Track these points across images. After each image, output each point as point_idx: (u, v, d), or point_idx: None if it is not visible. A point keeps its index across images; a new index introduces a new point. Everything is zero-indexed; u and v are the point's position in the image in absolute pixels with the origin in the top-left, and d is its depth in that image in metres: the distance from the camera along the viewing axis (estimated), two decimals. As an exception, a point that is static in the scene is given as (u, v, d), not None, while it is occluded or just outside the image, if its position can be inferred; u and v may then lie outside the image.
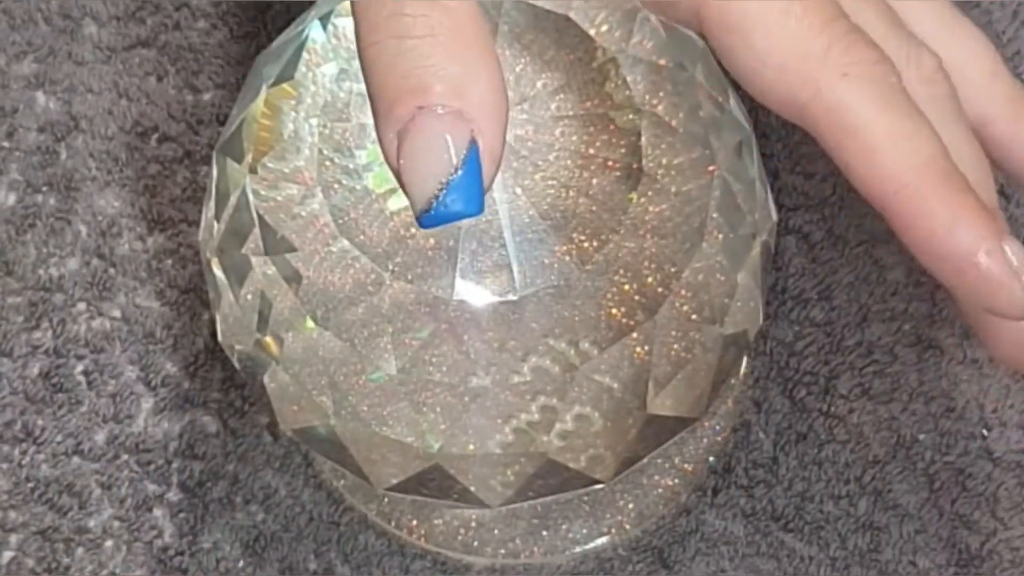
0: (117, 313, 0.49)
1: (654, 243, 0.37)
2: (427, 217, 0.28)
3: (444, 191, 0.28)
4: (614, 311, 0.36)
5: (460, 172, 0.27)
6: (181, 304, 0.49)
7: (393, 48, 0.28)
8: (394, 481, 0.38)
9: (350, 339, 0.36)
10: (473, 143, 0.28)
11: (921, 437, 0.47)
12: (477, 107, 0.28)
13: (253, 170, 0.38)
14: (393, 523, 0.46)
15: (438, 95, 0.27)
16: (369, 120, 0.38)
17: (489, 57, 0.28)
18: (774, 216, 0.40)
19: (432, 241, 0.36)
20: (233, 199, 0.38)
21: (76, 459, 0.47)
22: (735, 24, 0.34)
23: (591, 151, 0.37)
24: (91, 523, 0.47)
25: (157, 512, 0.47)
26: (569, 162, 0.37)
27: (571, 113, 0.37)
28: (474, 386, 0.36)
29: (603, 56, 0.38)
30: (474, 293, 0.36)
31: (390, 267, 0.36)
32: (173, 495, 0.47)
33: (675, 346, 0.37)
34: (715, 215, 0.37)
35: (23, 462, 0.47)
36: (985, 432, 0.47)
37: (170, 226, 0.50)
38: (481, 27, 0.28)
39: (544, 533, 0.45)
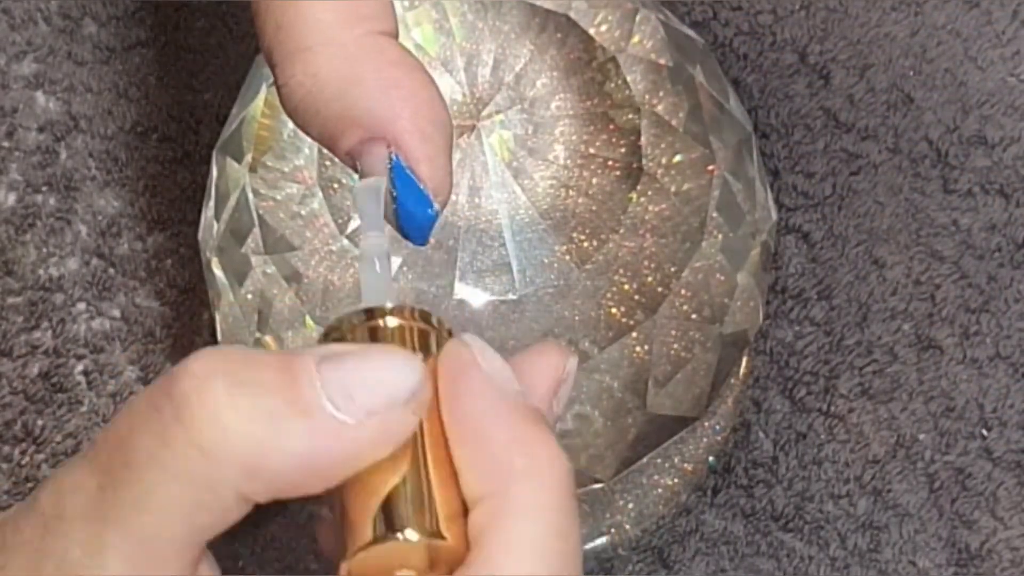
0: (117, 313, 0.49)
1: (654, 243, 0.37)
2: (412, 240, 0.29)
3: (395, 215, 0.28)
4: (614, 310, 0.36)
5: (396, 190, 0.28)
6: (181, 304, 0.49)
7: (326, 94, 0.29)
8: (394, 481, 0.38)
9: (350, 339, 0.36)
10: (390, 157, 0.28)
11: (921, 437, 0.47)
12: (395, 128, 0.28)
13: (253, 169, 0.38)
14: (393, 523, 0.46)
15: (354, 134, 0.28)
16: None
17: (396, 64, 0.29)
18: (774, 216, 0.40)
19: (432, 241, 0.36)
20: (233, 199, 0.38)
21: (76, 459, 0.47)
22: None
23: (591, 151, 0.37)
24: (91, 523, 0.47)
25: (157, 512, 0.46)
26: (569, 162, 0.37)
27: (571, 113, 0.37)
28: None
29: (603, 56, 0.38)
30: (474, 293, 0.36)
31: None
32: (173, 495, 0.47)
33: (675, 346, 0.37)
34: (715, 215, 0.37)
35: (23, 462, 0.47)
36: (985, 432, 0.47)
37: (170, 226, 0.50)
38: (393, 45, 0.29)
39: (544, 533, 0.45)
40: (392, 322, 0.26)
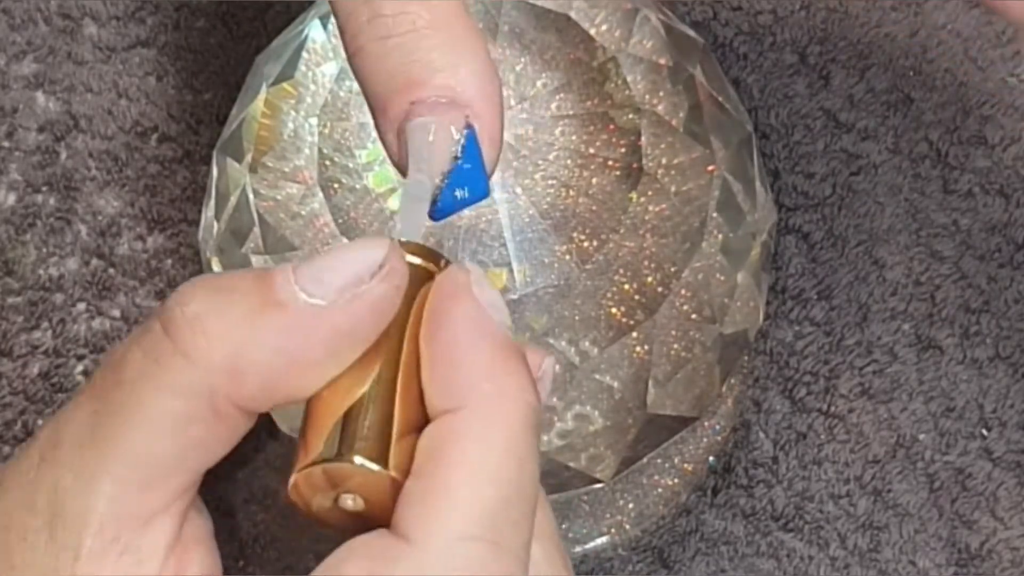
0: (117, 313, 0.49)
1: (654, 243, 0.37)
2: (436, 211, 0.28)
3: (447, 182, 0.28)
4: (614, 310, 0.36)
5: (460, 160, 0.28)
6: (181, 304, 0.49)
7: (377, 50, 0.28)
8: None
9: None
10: (470, 128, 0.28)
11: (921, 437, 0.47)
12: (469, 91, 0.28)
13: (253, 169, 0.38)
14: (393, 523, 0.46)
15: (429, 87, 0.28)
16: (369, 120, 0.38)
17: (475, 41, 0.28)
18: (774, 216, 0.40)
19: (432, 241, 0.36)
20: (233, 199, 0.38)
21: (76, 459, 0.47)
22: None
23: (591, 151, 0.37)
24: (91, 523, 0.46)
25: (157, 512, 0.46)
26: (569, 162, 0.37)
27: (571, 113, 0.37)
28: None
29: (603, 56, 0.38)
30: (474, 293, 0.36)
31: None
32: (173, 495, 0.47)
33: (675, 345, 0.37)
34: (715, 215, 0.37)
35: (23, 462, 0.47)
36: (985, 432, 0.47)
37: (170, 226, 0.50)
38: (461, 12, 0.29)
39: (544, 533, 0.45)
40: (410, 258, 0.26)
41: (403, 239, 0.27)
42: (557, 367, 0.36)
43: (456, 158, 0.28)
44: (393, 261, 0.25)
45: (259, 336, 0.25)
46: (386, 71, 0.28)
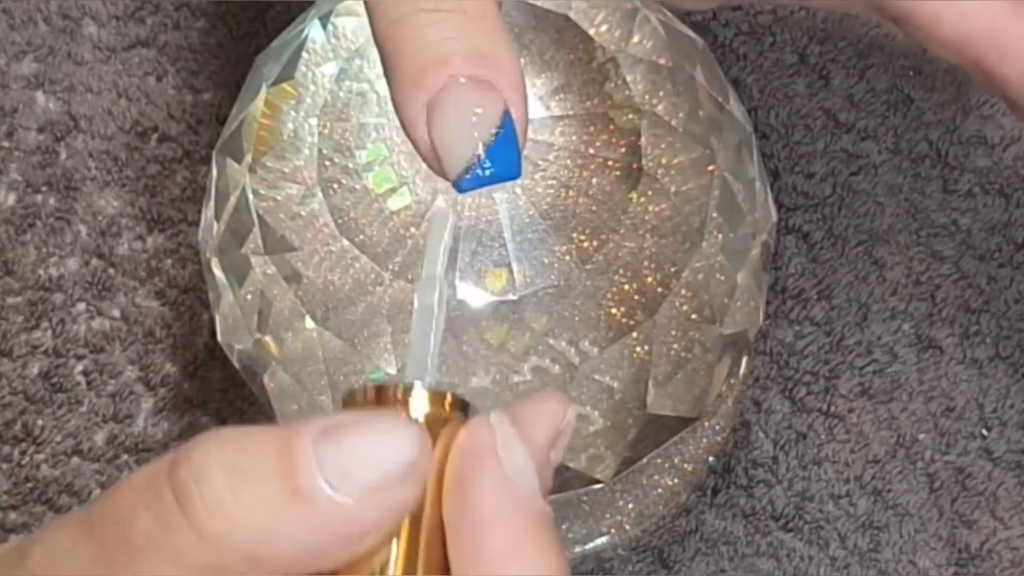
0: (117, 313, 0.49)
1: (654, 243, 0.37)
2: (465, 181, 0.28)
3: (483, 155, 0.28)
4: (614, 311, 0.36)
5: (498, 135, 0.28)
6: (181, 304, 0.49)
7: (423, 19, 0.28)
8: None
9: (350, 339, 0.36)
10: (507, 111, 0.28)
11: (921, 437, 0.47)
12: (505, 79, 0.28)
13: (253, 170, 0.38)
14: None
15: (471, 65, 0.28)
16: (369, 120, 0.38)
17: (507, 35, 0.29)
18: (774, 216, 0.40)
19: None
20: (233, 199, 0.38)
21: (76, 459, 0.47)
22: None
23: (591, 151, 0.37)
24: (91, 523, 0.47)
25: (157, 512, 0.46)
26: (569, 162, 0.37)
27: (571, 113, 0.37)
28: (474, 386, 0.36)
29: (603, 56, 0.38)
30: (474, 293, 0.36)
31: (390, 267, 0.36)
32: (173, 495, 0.47)
33: (675, 346, 0.37)
34: (715, 215, 0.37)
35: (23, 462, 0.47)
36: (985, 432, 0.47)
37: (170, 226, 0.50)
38: (495, 6, 0.29)
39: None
40: (419, 408, 0.26)
41: (414, 382, 0.26)
42: (557, 368, 0.36)
43: (495, 134, 0.28)
44: (424, 462, 0.25)
45: (282, 529, 0.24)
46: (428, 41, 0.28)
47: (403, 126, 0.29)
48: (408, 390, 0.26)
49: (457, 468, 0.25)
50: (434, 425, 0.26)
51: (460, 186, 0.28)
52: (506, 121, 0.28)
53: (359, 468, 0.24)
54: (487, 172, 0.28)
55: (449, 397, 0.26)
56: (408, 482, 0.24)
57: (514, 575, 0.25)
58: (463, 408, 0.26)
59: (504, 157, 0.28)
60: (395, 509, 0.24)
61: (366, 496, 0.24)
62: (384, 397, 0.26)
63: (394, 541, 0.25)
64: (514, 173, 0.28)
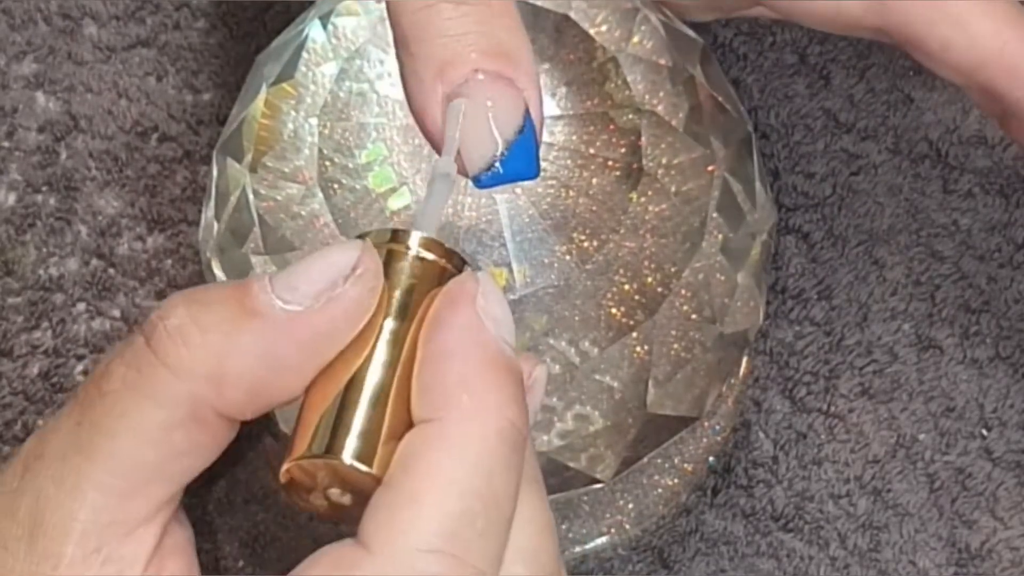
0: (117, 313, 0.49)
1: (654, 243, 0.37)
2: (486, 178, 0.28)
3: (506, 154, 0.28)
4: (614, 311, 0.36)
5: (522, 135, 0.28)
6: (181, 304, 0.49)
7: (449, 11, 0.28)
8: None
9: (350, 339, 0.36)
10: (527, 111, 0.28)
11: (921, 437, 0.47)
12: (525, 76, 0.28)
13: (253, 170, 0.38)
14: (393, 523, 0.46)
15: (493, 61, 0.28)
16: (369, 120, 0.38)
17: (525, 31, 0.29)
18: (774, 216, 0.40)
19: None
20: (233, 199, 0.38)
21: (76, 459, 0.47)
22: None
23: (591, 151, 0.37)
24: (91, 523, 0.46)
25: (157, 512, 0.46)
26: (569, 162, 0.37)
27: (571, 113, 0.37)
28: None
29: (603, 56, 0.38)
30: (474, 293, 0.36)
31: (390, 267, 0.36)
32: (173, 495, 0.47)
33: (675, 346, 0.37)
34: (715, 215, 0.37)
35: (23, 462, 0.47)
36: (985, 432, 0.47)
37: (170, 226, 0.50)
38: (514, 2, 0.29)
39: (544, 533, 0.45)
40: (416, 252, 0.27)
41: (422, 233, 0.27)
42: (557, 367, 0.36)
43: (519, 133, 0.28)
44: (366, 263, 0.26)
45: (239, 344, 0.25)
46: (452, 34, 0.28)
47: (415, 113, 0.29)
48: (406, 234, 0.27)
49: (436, 308, 0.27)
50: (431, 272, 0.27)
51: (480, 183, 0.29)
52: (527, 121, 0.28)
53: (307, 281, 0.26)
54: (508, 171, 0.28)
55: (450, 251, 0.27)
56: (351, 282, 0.26)
57: (464, 405, 0.25)
58: (455, 260, 0.27)
59: (524, 156, 0.28)
60: (344, 309, 0.26)
61: (314, 301, 0.25)
62: (395, 239, 0.27)
63: (369, 372, 0.26)
64: (532, 173, 0.29)
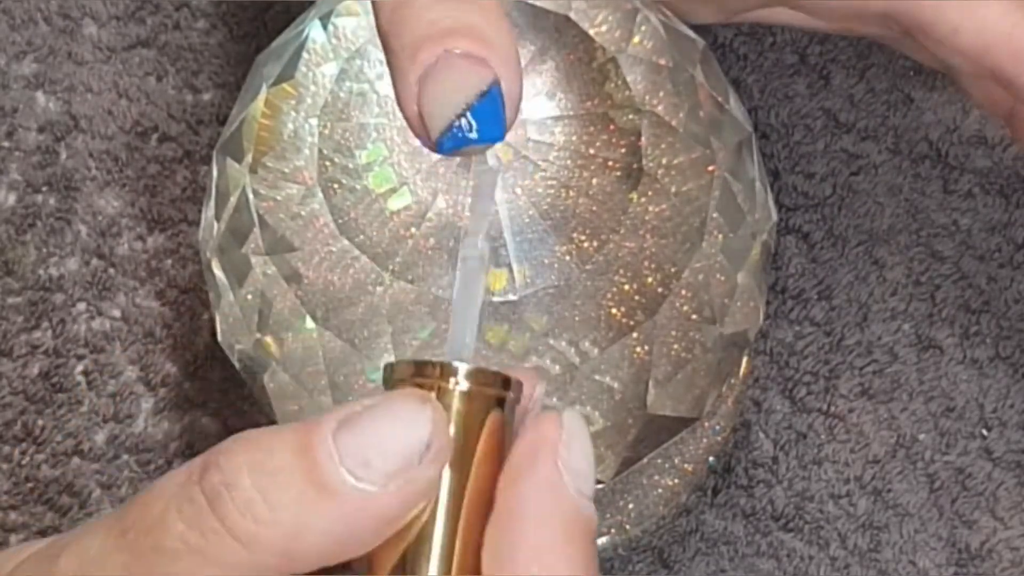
0: (117, 313, 0.49)
1: (654, 243, 0.37)
2: (446, 139, 0.28)
3: (465, 115, 0.28)
4: (614, 311, 0.36)
5: (483, 99, 0.28)
6: (181, 304, 0.49)
7: (424, 2, 0.28)
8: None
9: (350, 339, 0.36)
10: (496, 83, 0.28)
11: (921, 437, 0.47)
12: (499, 58, 0.28)
13: (253, 170, 0.38)
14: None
15: (464, 41, 0.28)
16: (369, 120, 0.38)
17: (504, 18, 0.29)
18: (774, 216, 0.40)
19: (432, 241, 0.36)
20: (233, 199, 0.38)
21: (76, 459, 0.47)
22: None
23: (591, 151, 0.37)
24: (91, 523, 0.47)
25: (157, 512, 0.46)
26: (569, 162, 0.37)
27: (571, 113, 0.37)
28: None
29: (603, 56, 0.38)
30: (474, 293, 0.36)
31: (390, 267, 0.36)
32: (173, 495, 0.47)
33: (675, 346, 0.37)
34: (715, 215, 0.37)
35: (23, 462, 0.47)
36: (985, 432, 0.47)
37: (170, 226, 0.50)
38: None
39: (544, 533, 0.45)
40: (463, 385, 0.26)
41: (466, 365, 0.26)
42: (557, 368, 0.36)
43: (479, 96, 0.28)
44: (439, 439, 0.25)
45: (311, 525, 0.25)
46: (428, 20, 0.28)
47: (399, 104, 0.29)
48: (446, 367, 0.26)
49: (517, 456, 0.26)
50: (475, 404, 0.26)
51: (441, 146, 0.28)
52: (494, 88, 0.28)
53: (378, 455, 0.25)
54: (468, 134, 0.28)
55: (491, 374, 0.26)
56: (427, 462, 0.25)
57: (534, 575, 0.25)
58: (507, 385, 0.26)
59: (487, 118, 0.28)
60: (418, 491, 0.25)
61: (389, 481, 0.25)
62: (422, 374, 0.26)
63: (427, 525, 0.25)
64: (496, 135, 0.28)
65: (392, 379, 0.26)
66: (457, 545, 0.25)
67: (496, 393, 0.26)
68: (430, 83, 0.28)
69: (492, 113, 0.28)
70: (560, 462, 0.26)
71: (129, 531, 0.25)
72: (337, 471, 0.24)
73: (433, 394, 0.25)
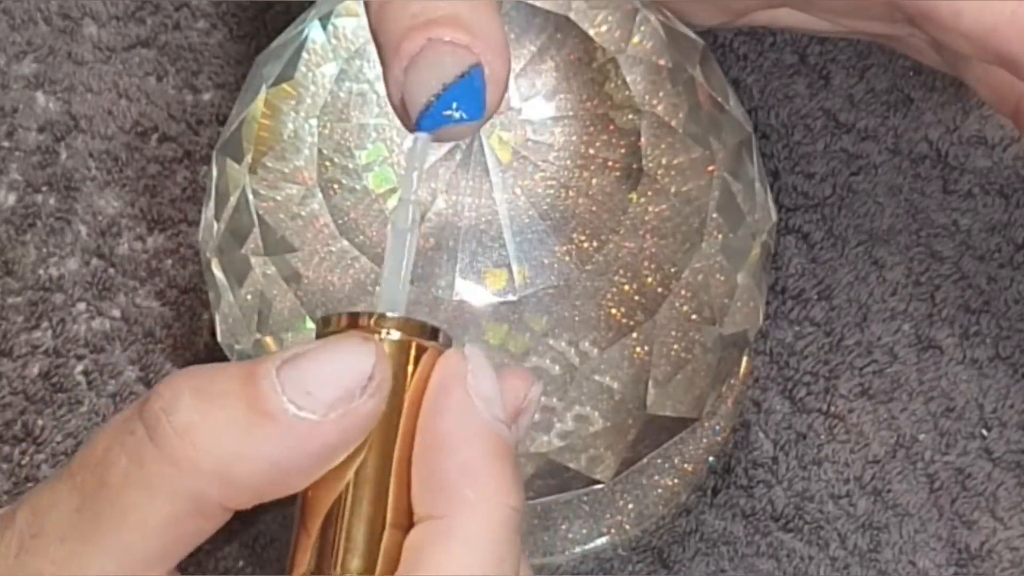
0: (117, 313, 0.49)
1: (654, 243, 0.37)
2: (424, 118, 0.28)
3: (444, 92, 0.28)
4: (614, 311, 0.36)
5: (462, 79, 0.28)
6: (181, 304, 0.49)
7: None
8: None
9: (350, 339, 0.36)
10: (477, 64, 0.28)
11: (921, 437, 0.47)
12: (484, 44, 0.28)
13: (253, 170, 0.38)
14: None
15: (448, 30, 0.28)
16: (369, 121, 0.38)
17: (496, 11, 0.29)
18: (774, 216, 0.40)
19: (432, 241, 0.36)
20: (233, 199, 0.38)
21: (76, 459, 0.47)
22: None
23: (591, 151, 0.37)
24: (91, 523, 0.46)
25: (157, 512, 0.46)
26: (569, 162, 0.37)
27: (571, 113, 0.37)
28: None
29: (603, 56, 0.38)
30: (474, 293, 0.36)
31: (390, 267, 0.36)
32: (173, 495, 0.47)
33: (675, 346, 0.37)
34: (715, 215, 0.37)
35: (23, 462, 0.47)
36: (985, 432, 0.47)
37: (170, 226, 0.50)
38: None
39: (544, 533, 0.45)
40: (393, 335, 0.27)
41: (387, 313, 0.27)
42: (557, 368, 0.36)
43: (459, 76, 0.28)
44: (381, 373, 0.26)
45: (250, 450, 0.25)
46: (411, 13, 0.28)
47: (387, 95, 0.29)
48: (381, 317, 0.27)
49: (430, 396, 0.26)
50: (406, 352, 0.27)
51: (420, 125, 0.28)
52: (475, 69, 0.28)
53: (321, 386, 0.25)
54: (447, 112, 0.28)
55: (420, 325, 0.27)
56: (369, 394, 0.25)
57: (468, 500, 0.26)
58: (435, 335, 0.27)
59: (466, 97, 0.28)
60: (359, 422, 0.25)
61: (330, 411, 0.25)
62: (356, 325, 0.27)
63: (362, 470, 0.26)
64: (476, 114, 0.28)
65: (326, 331, 0.27)
66: (391, 485, 0.26)
67: (425, 342, 0.27)
68: (412, 71, 0.28)
69: (471, 92, 0.28)
70: (471, 390, 0.26)
71: (77, 474, 0.26)
72: (279, 399, 0.25)
73: (376, 336, 0.26)
